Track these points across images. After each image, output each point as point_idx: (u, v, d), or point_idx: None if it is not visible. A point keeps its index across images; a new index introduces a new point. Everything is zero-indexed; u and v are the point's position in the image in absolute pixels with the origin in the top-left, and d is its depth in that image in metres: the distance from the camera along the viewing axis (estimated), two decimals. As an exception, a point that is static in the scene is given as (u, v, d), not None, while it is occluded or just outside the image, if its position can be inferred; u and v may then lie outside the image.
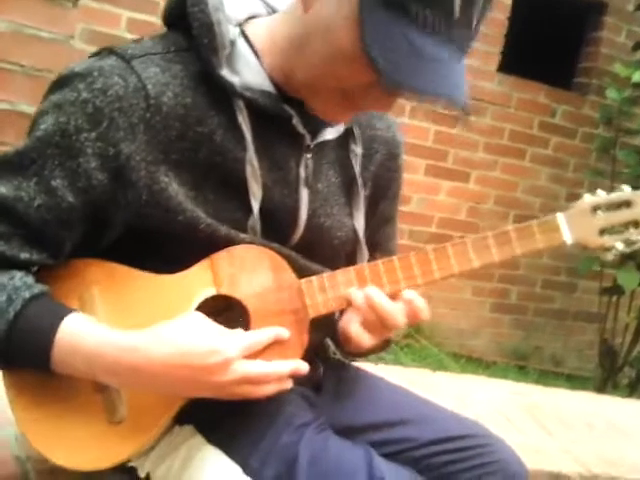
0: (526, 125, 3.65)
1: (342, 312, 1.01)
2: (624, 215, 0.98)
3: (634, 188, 3.02)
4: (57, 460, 0.89)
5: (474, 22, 0.81)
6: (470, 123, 3.47)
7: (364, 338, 0.93)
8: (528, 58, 3.60)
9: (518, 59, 3.49)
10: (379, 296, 0.91)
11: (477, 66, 3.37)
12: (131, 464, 0.97)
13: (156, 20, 2.71)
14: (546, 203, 3.72)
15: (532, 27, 3.71)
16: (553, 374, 3.66)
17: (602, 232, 0.98)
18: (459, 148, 3.51)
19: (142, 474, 0.97)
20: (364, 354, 1.07)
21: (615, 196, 0.99)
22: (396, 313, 0.91)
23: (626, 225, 0.98)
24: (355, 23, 0.80)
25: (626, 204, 0.98)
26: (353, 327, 0.93)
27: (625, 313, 3.43)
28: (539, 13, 3.59)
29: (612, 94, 3.30)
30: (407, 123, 3.30)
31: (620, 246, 0.98)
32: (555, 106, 3.71)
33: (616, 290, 3.29)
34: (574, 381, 3.42)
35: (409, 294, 0.93)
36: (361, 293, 0.91)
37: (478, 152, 3.56)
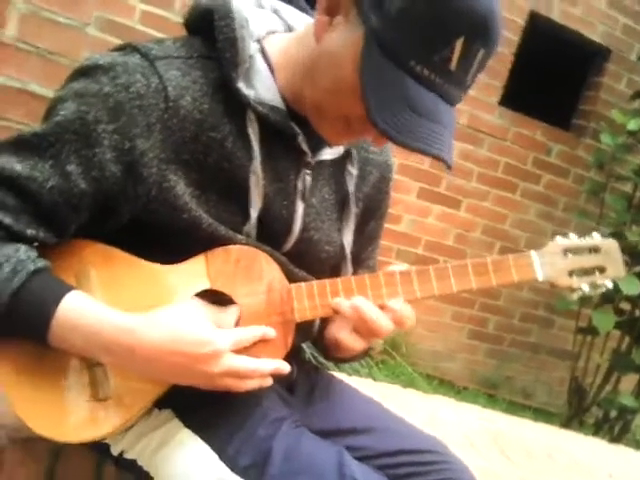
0: (521, 160, 3.71)
1: (324, 321, 1.06)
2: (592, 260, 1.05)
3: (616, 234, 3.11)
4: (36, 428, 0.91)
5: (469, 76, 0.85)
6: (456, 174, 3.51)
7: (355, 343, 0.98)
8: (530, 95, 3.67)
9: (520, 94, 3.55)
10: (367, 305, 0.95)
11: (479, 97, 3.43)
12: (106, 441, 0.99)
13: (169, 15, 2.74)
14: (532, 238, 3.78)
15: (537, 65, 3.78)
16: (521, 406, 3.70)
17: (571, 273, 1.04)
18: (454, 175, 3.56)
19: (115, 452, 0.99)
20: (350, 359, 1.11)
21: (585, 241, 1.05)
22: (382, 319, 0.96)
23: (593, 269, 1.05)
24: (357, 65, 0.84)
25: (595, 250, 1.05)
26: (343, 334, 0.98)
27: (598, 354, 3.47)
28: (545, 52, 3.67)
29: (607, 139, 3.36)
30: (405, 145, 3.35)
31: (586, 288, 1.04)
32: (551, 145, 3.77)
33: (591, 330, 3.33)
34: (541, 415, 3.46)
35: (395, 303, 0.97)
36: (348, 302, 0.96)
37: (472, 181, 3.62)
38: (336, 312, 0.97)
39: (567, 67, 3.78)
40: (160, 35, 2.70)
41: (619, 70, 3.83)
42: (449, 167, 0.87)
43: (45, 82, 1.74)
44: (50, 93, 1.72)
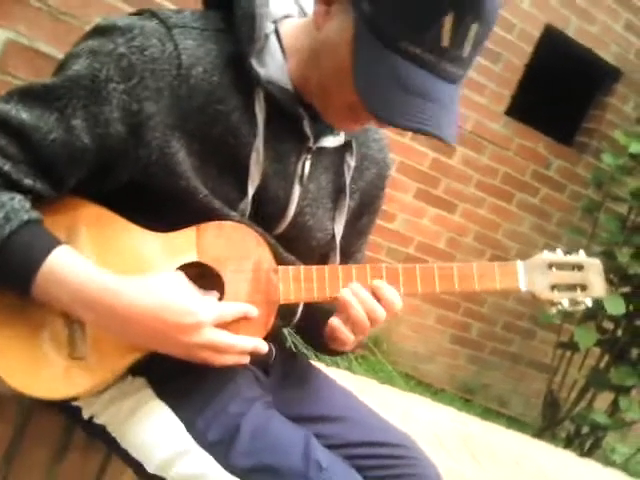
0: (520, 171, 3.72)
1: (320, 316, 1.06)
2: (575, 277, 1.07)
3: (606, 254, 3.13)
4: (10, 381, 0.91)
5: (465, 52, 0.85)
6: (466, 156, 3.53)
7: (347, 335, 0.99)
8: (536, 107, 3.68)
9: (527, 106, 3.56)
10: (365, 292, 0.97)
11: (486, 105, 3.44)
12: (77, 404, 0.99)
13: (187, -11, 2.74)
14: (523, 250, 3.79)
15: (547, 78, 3.78)
16: (496, 413, 3.72)
17: (553, 287, 1.06)
18: (452, 179, 3.57)
19: (86, 416, 1.00)
20: (343, 352, 1.11)
21: (570, 258, 1.08)
22: (379, 307, 0.97)
23: (575, 286, 1.06)
24: (351, 51, 0.85)
25: (578, 267, 1.07)
26: (336, 321, 0.99)
27: (576, 370, 3.49)
28: (557, 66, 3.67)
29: (608, 159, 3.37)
30: (407, 144, 3.36)
31: (566, 303, 1.07)
32: (551, 159, 3.78)
33: (572, 346, 3.36)
34: (514, 424, 3.48)
35: (382, 283, 0.98)
36: (349, 290, 0.97)
37: (469, 187, 3.63)
38: (332, 300, 0.98)
39: (576, 83, 3.78)
40: (172, 6, 2.69)
41: (628, 92, 3.84)
42: (448, 143, 0.88)
43: (53, 41, 1.73)
44: (56, 53, 1.72)
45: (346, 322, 0.98)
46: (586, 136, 3.90)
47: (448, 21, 0.82)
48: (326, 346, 1.08)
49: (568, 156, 3.83)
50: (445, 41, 0.83)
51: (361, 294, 0.97)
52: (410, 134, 3.37)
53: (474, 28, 0.83)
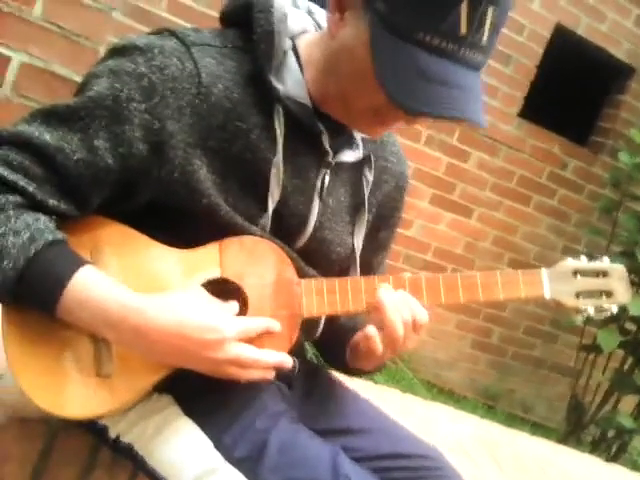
0: (536, 173, 3.70)
1: (343, 334, 1.06)
2: (600, 284, 1.06)
3: (626, 254, 3.10)
4: (37, 400, 0.90)
5: (484, 38, 0.85)
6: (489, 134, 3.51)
7: (378, 346, 0.97)
8: (550, 108, 3.66)
9: (540, 107, 3.54)
10: (403, 302, 0.96)
11: (499, 107, 3.42)
12: (103, 423, 0.99)
13: (195, 5, 2.76)
14: (542, 252, 3.77)
15: (559, 79, 3.77)
16: (520, 419, 3.69)
17: (578, 295, 1.05)
18: (467, 183, 3.55)
19: (112, 435, 1.00)
20: (369, 371, 1.10)
21: (595, 265, 1.07)
22: (424, 312, 0.97)
23: (600, 293, 1.06)
24: (370, 50, 0.86)
25: (603, 274, 1.07)
26: (371, 330, 0.97)
27: (600, 372, 3.46)
28: (569, 66, 3.65)
29: (624, 158, 3.34)
30: (421, 150, 3.35)
31: (591, 311, 1.06)
32: (567, 160, 3.76)
33: (595, 349, 3.32)
34: (539, 430, 3.45)
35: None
36: (388, 296, 0.96)
37: (485, 191, 3.61)
38: (369, 308, 0.97)
39: (589, 82, 3.76)
40: (185, 24, 2.71)
41: (642, 90, 3.81)
42: (480, 126, 0.88)
43: (68, 63, 1.75)
44: (72, 74, 1.74)
45: (379, 330, 0.97)
46: (601, 135, 3.87)
47: (464, 9, 0.82)
48: (347, 364, 1.08)
49: (584, 156, 3.81)
50: (463, 29, 0.83)
51: (399, 302, 0.96)
52: (423, 139, 3.37)
53: (490, 12, 0.83)
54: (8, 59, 1.68)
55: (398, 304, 0.96)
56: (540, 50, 3.51)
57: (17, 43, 1.69)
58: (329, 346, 1.14)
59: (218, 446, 0.92)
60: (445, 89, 0.85)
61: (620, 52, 3.70)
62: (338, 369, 1.19)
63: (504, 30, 0.89)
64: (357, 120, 0.97)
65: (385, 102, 0.88)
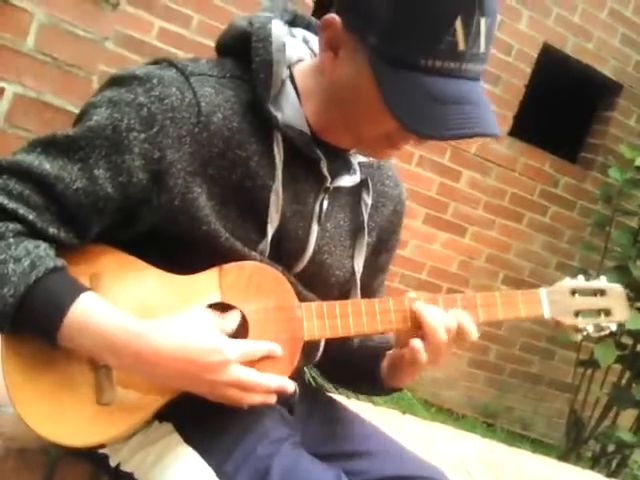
0: (528, 191, 3.73)
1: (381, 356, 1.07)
2: (598, 302, 1.08)
3: (620, 268, 3.10)
4: (37, 428, 0.90)
5: (482, 47, 0.86)
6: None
7: (421, 355, 0.97)
8: (539, 126, 3.70)
9: (530, 126, 3.58)
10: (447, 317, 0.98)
11: (489, 126, 3.46)
12: (104, 451, 0.99)
13: (186, 33, 2.78)
14: (536, 269, 3.78)
15: (548, 97, 3.81)
16: (519, 436, 3.68)
17: (577, 313, 1.07)
18: (460, 202, 3.58)
19: (113, 463, 0.99)
20: (399, 388, 1.11)
21: (592, 284, 1.09)
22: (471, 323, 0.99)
23: (599, 312, 1.08)
24: (375, 87, 0.86)
25: (601, 292, 1.09)
26: (417, 342, 0.97)
27: (598, 387, 3.46)
28: (557, 85, 3.70)
29: (615, 173, 3.37)
30: (414, 171, 3.37)
31: (590, 329, 1.08)
32: (558, 177, 3.79)
33: (592, 364, 3.32)
34: (539, 446, 3.44)
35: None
36: (433, 307, 0.98)
37: (478, 209, 3.63)
38: (403, 323, 0.98)
39: (578, 100, 3.80)
40: (176, 52, 2.74)
41: (630, 106, 3.86)
42: (496, 136, 0.90)
43: (61, 93, 1.77)
44: (65, 104, 1.75)
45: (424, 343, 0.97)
46: (591, 152, 3.91)
47: (458, 25, 0.83)
48: (379, 382, 1.08)
49: (575, 173, 3.84)
50: (461, 45, 0.84)
51: (436, 310, 0.98)
52: (415, 160, 3.40)
53: (483, 22, 0.84)
54: (2, 90, 1.69)
55: (435, 312, 0.98)
56: (528, 69, 3.55)
57: (10, 74, 1.70)
58: (350, 368, 1.14)
59: (219, 474, 0.91)
60: (459, 107, 0.86)
61: (607, 69, 3.75)
62: (357, 389, 1.18)
63: (493, 51, 0.91)
64: (368, 146, 0.98)
65: (396, 129, 0.89)
